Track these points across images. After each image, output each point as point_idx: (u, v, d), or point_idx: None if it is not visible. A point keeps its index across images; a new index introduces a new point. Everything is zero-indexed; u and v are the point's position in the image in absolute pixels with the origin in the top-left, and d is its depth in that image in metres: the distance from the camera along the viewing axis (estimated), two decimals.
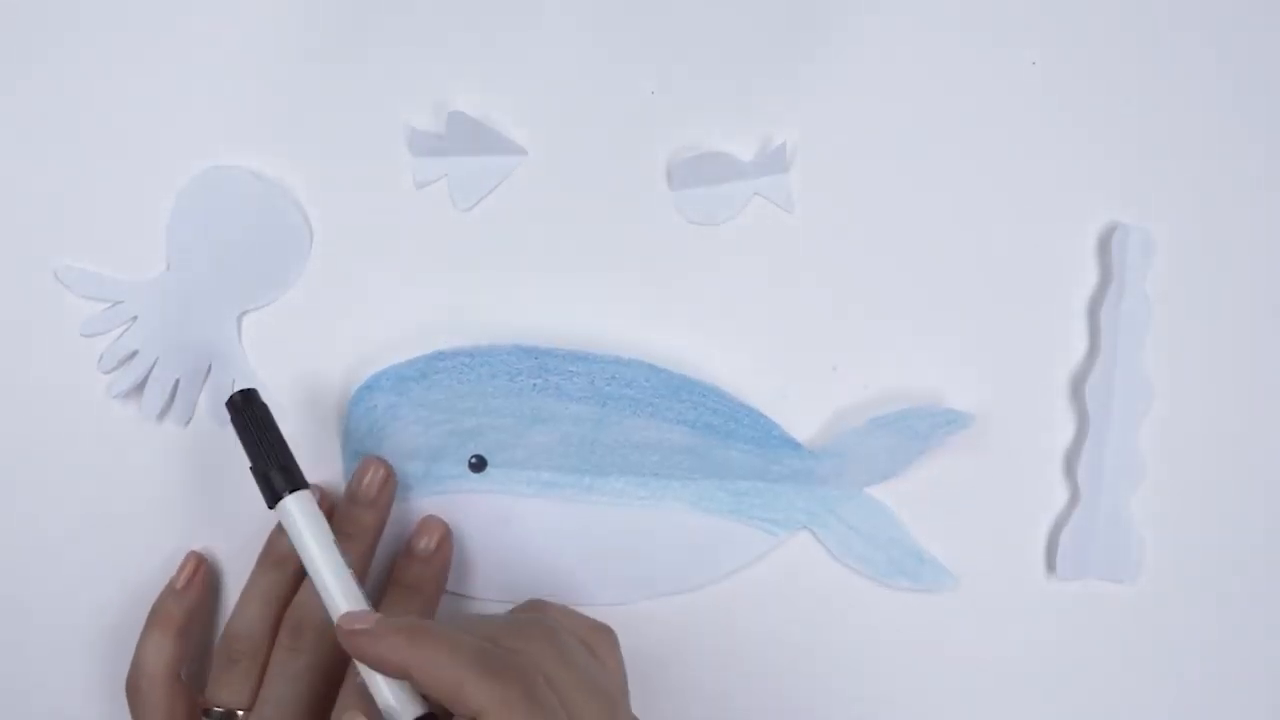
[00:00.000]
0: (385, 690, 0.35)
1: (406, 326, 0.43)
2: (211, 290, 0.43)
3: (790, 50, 0.43)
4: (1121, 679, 0.44)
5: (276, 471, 0.38)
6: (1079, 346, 0.44)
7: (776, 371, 0.43)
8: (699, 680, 0.43)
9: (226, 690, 0.39)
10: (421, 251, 0.43)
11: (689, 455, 0.42)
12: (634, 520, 0.43)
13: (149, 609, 0.41)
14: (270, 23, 0.43)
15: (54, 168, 0.43)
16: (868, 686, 0.44)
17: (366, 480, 0.41)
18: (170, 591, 0.42)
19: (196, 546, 0.43)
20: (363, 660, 0.35)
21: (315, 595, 0.37)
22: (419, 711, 0.35)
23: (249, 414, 0.38)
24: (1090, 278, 0.44)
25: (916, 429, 0.42)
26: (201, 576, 0.42)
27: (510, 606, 0.40)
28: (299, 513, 0.37)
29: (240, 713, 0.39)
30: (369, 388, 0.42)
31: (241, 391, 0.39)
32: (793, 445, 0.43)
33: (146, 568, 0.43)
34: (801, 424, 0.43)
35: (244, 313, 0.43)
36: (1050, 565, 0.44)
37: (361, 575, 0.41)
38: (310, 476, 0.42)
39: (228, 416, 0.39)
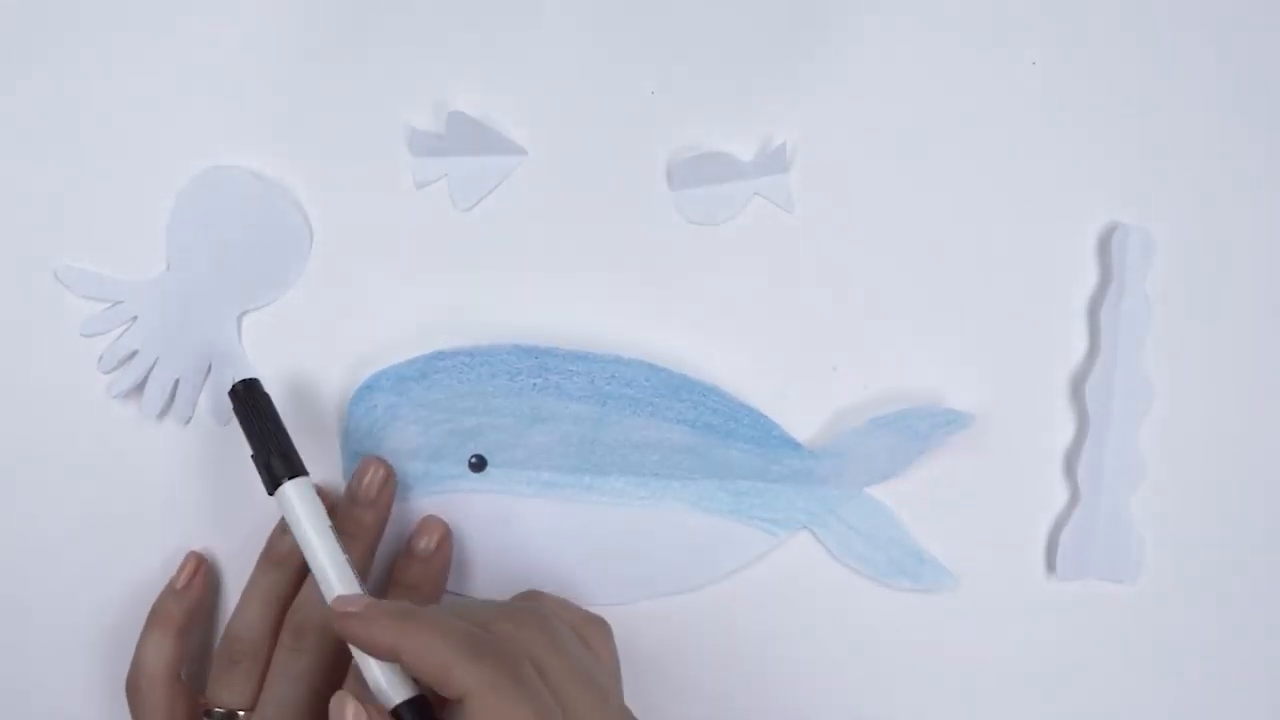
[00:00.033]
0: (376, 672, 0.35)
1: (406, 326, 0.43)
2: (211, 290, 0.43)
3: (790, 50, 0.43)
4: (1121, 679, 0.44)
5: (277, 459, 0.38)
6: (1079, 346, 0.44)
7: (776, 371, 0.43)
8: (699, 680, 0.43)
9: (227, 690, 0.39)
10: (421, 251, 0.43)
11: (689, 455, 0.42)
12: (634, 520, 0.43)
13: (149, 609, 0.41)
14: (270, 23, 0.43)
15: (54, 168, 0.43)
16: (868, 686, 0.44)
17: (366, 480, 0.41)
18: (170, 591, 0.42)
19: (196, 546, 0.43)
20: (353, 642, 0.35)
21: (317, 595, 0.37)
22: (409, 694, 0.35)
23: (251, 403, 0.39)
24: (1090, 278, 0.44)
25: (916, 429, 0.42)
26: (201, 576, 0.42)
27: None
28: (297, 499, 0.38)
29: (241, 713, 0.39)
30: (369, 388, 0.42)
31: (244, 381, 0.39)
32: (793, 445, 0.43)
33: (146, 568, 0.43)
34: (801, 424, 0.43)
35: (244, 313, 0.43)
36: (1050, 565, 0.44)
37: (362, 575, 0.41)
38: (310, 477, 0.42)
39: (228, 416, 0.39)
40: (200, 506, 0.43)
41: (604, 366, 0.42)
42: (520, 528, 0.43)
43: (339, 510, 0.42)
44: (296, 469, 0.38)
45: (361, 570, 0.41)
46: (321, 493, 0.42)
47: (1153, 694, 0.44)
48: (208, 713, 0.39)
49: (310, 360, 0.43)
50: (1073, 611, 0.44)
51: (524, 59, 0.43)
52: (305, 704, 0.38)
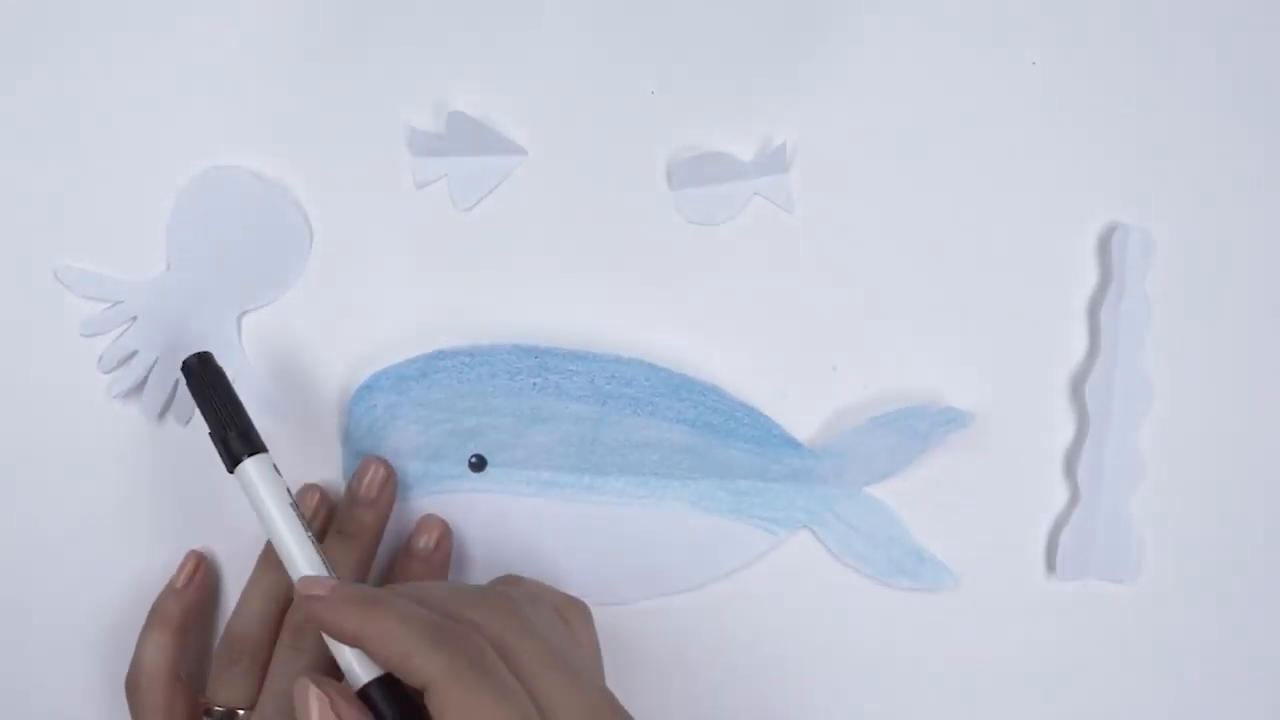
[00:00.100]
0: (345, 652, 0.35)
1: (406, 326, 0.43)
2: (211, 290, 0.43)
3: (790, 50, 0.43)
4: (1121, 679, 0.44)
5: (235, 435, 0.38)
6: (1079, 346, 0.44)
7: (776, 371, 0.43)
8: (699, 679, 0.43)
9: (227, 689, 0.39)
10: (421, 251, 0.43)
11: (689, 454, 0.42)
12: (634, 520, 0.43)
13: (149, 609, 0.41)
14: (270, 23, 0.43)
15: (54, 168, 0.43)
16: (867, 686, 0.44)
17: (367, 480, 0.41)
18: (170, 591, 0.42)
19: (196, 546, 0.43)
20: (318, 626, 0.35)
21: None
22: (378, 673, 0.35)
23: (206, 378, 0.38)
24: (1090, 278, 0.44)
25: (916, 428, 0.42)
26: (201, 576, 0.42)
27: None
28: (258, 476, 0.37)
29: (241, 712, 0.39)
30: (369, 388, 0.42)
31: (197, 355, 0.39)
32: (793, 444, 0.43)
33: (146, 568, 0.43)
34: (801, 423, 0.43)
35: (244, 313, 0.43)
36: (1050, 565, 0.44)
37: (362, 575, 0.41)
38: (310, 476, 0.43)
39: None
40: (200, 506, 0.43)
41: (604, 366, 0.42)
42: (520, 527, 0.43)
43: (339, 510, 0.42)
44: (256, 446, 0.38)
45: (362, 571, 0.41)
46: (321, 493, 0.42)
47: (1153, 694, 0.44)
48: (208, 711, 0.39)
49: (310, 360, 0.43)
50: (1073, 611, 0.44)
51: (524, 59, 0.43)
52: None
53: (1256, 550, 0.44)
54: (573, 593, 0.39)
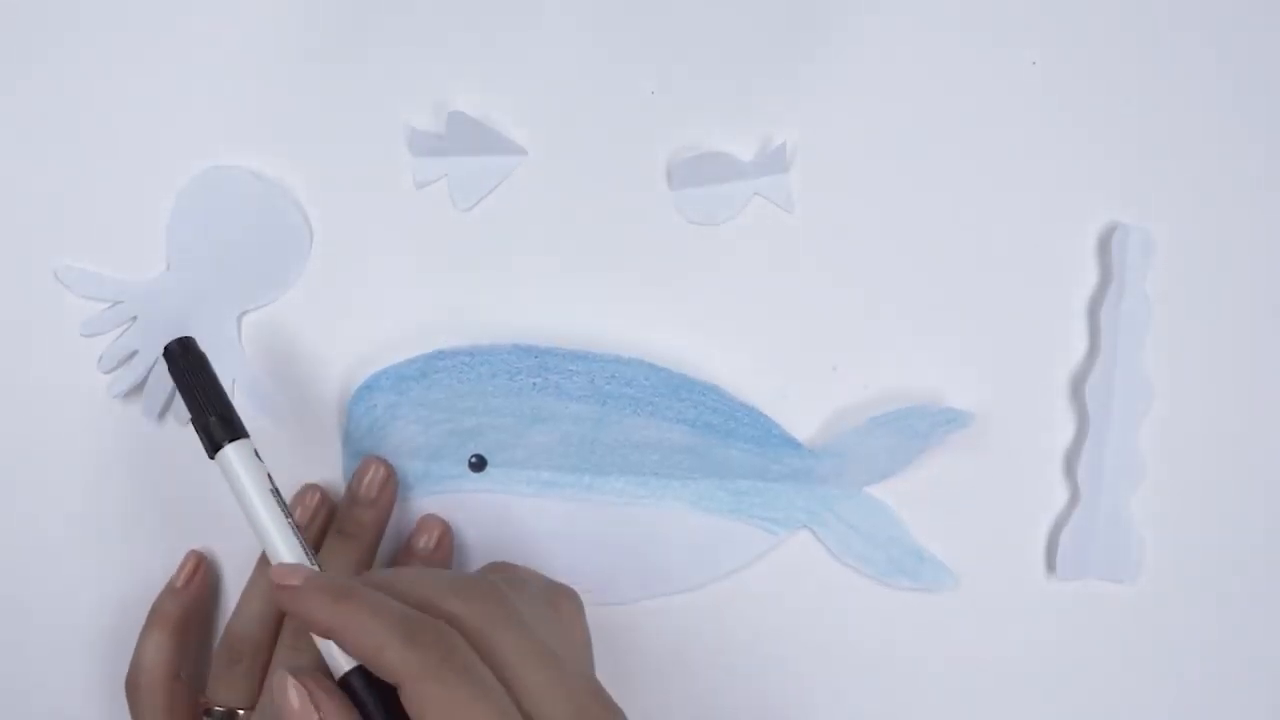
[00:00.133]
0: (325, 641, 0.35)
1: (406, 326, 0.43)
2: (211, 290, 0.43)
3: (790, 50, 0.43)
4: (1121, 679, 0.44)
5: (216, 421, 0.37)
6: (1079, 346, 0.44)
7: (776, 371, 0.43)
8: (699, 679, 0.43)
9: (227, 689, 0.39)
10: (421, 251, 0.43)
11: (689, 454, 0.42)
12: (634, 519, 0.43)
13: (149, 609, 0.41)
14: (270, 23, 0.43)
15: (54, 168, 0.43)
16: (867, 686, 0.44)
17: (367, 480, 0.41)
18: (170, 591, 0.42)
19: (196, 546, 0.43)
20: (292, 615, 0.35)
21: None
22: (356, 662, 0.34)
23: (187, 363, 0.38)
24: (1090, 278, 0.44)
25: (916, 428, 0.42)
26: (201, 576, 0.42)
27: None
28: (238, 461, 0.37)
29: (241, 712, 0.39)
30: (369, 388, 0.42)
31: (179, 340, 0.38)
32: (793, 444, 0.43)
33: (146, 568, 0.43)
34: (801, 424, 0.43)
35: (244, 313, 0.43)
36: (1050, 565, 0.44)
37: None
38: (310, 476, 0.43)
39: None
40: (200, 506, 0.43)
41: (604, 366, 0.42)
42: (520, 527, 0.43)
43: (339, 510, 0.42)
44: (236, 431, 0.37)
45: (361, 570, 0.41)
46: (321, 493, 0.42)
47: (1153, 694, 0.44)
48: (208, 712, 0.39)
49: (310, 360, 0.43)
50: (1073, 611, 0.44)
51: (524, 59, 0.43)
52: None
53: (1256, 550, 0.44)
54: None
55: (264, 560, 0.41)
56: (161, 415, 0.43)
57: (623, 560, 0.43)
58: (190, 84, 0.43)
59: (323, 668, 0.38)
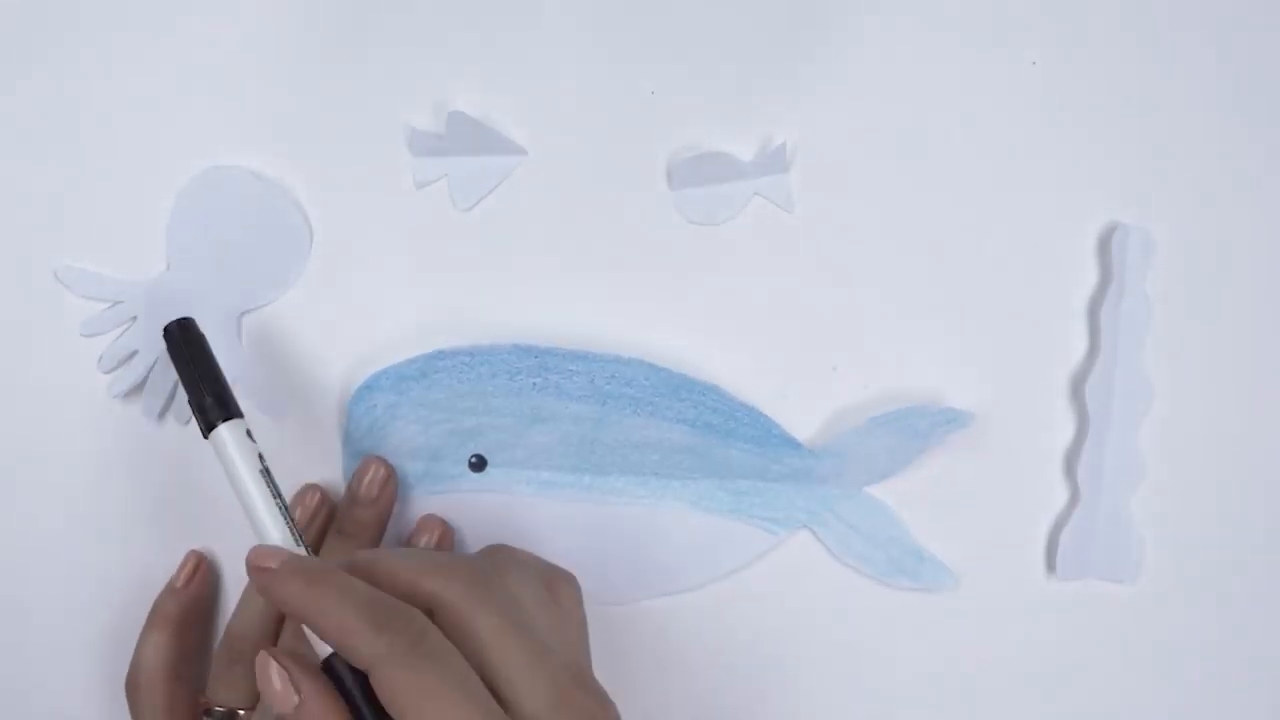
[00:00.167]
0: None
1: (406, 326, 0.43)
2: (211, 290, 0.43)
3: (790, 50, 0.43)
4: (1121, 679, 0.44)
5: (211, 401, 0.37)
6: (1079, 346, 0.44)
7: (776, 371, 0.43)
8: (699, 679, 0.43)
9: (227, 690, 0.39)
10: (421, 251, 0.43)
11: (689, 454, 0.42)
12: (634, 519, 0.43)
13: (149, 609, 0.42)
14: (270, 23, 0.43)
15: (54, 168, 0.43)
16: (867, 686, 0.44)
17: (367, 480, 0.41)
18: (170, 590, 0.42)
19: (196, 546, 0.43)
20: (266, 598, 0.35)
21: None
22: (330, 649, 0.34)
23: (186, 343, 0.38)
24: (1090, 278, 0.44)
25: (916, 428, 0.42)
26: (202, 575, 0.42)
27: None
28: (230, 440, 0.37)
29: (242, 712, 0.39)
30: (369, 388, 0.42)
31: (178, 321, 0.39)
32: (793, 444, 0.43)
33: (146, 568, 0.43)
34: (801, 424, 0.43)
35: (244, 313, 0.43)
36: (1050, 565, 0.44)
37: None
38: (310, 476, 0.43)
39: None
40: (200, 506, 0.43)
41: (604, 366, 0.42)
42: (520, 527, 0.43)
43: (339, 510, 0.42)
44: (231, 411, 0.37)
45: None
46: (322, 493, 0.42)
47: (1153, 694, 0.44)
48: (208, 712, 0.39)
49: (310, 360, 0.43)
50: (1073, 611, 0.44)
51: (524, 59, 0.43)
52: None
53: (1256, 550, 0.44)
54: None
55: None
56: (161, 415, 0.43)
57: (623, 560, 0.43)
58: (190, 84, 0.43)
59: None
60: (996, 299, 0.44)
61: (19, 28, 0.43)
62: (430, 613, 0.33)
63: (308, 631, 0.34)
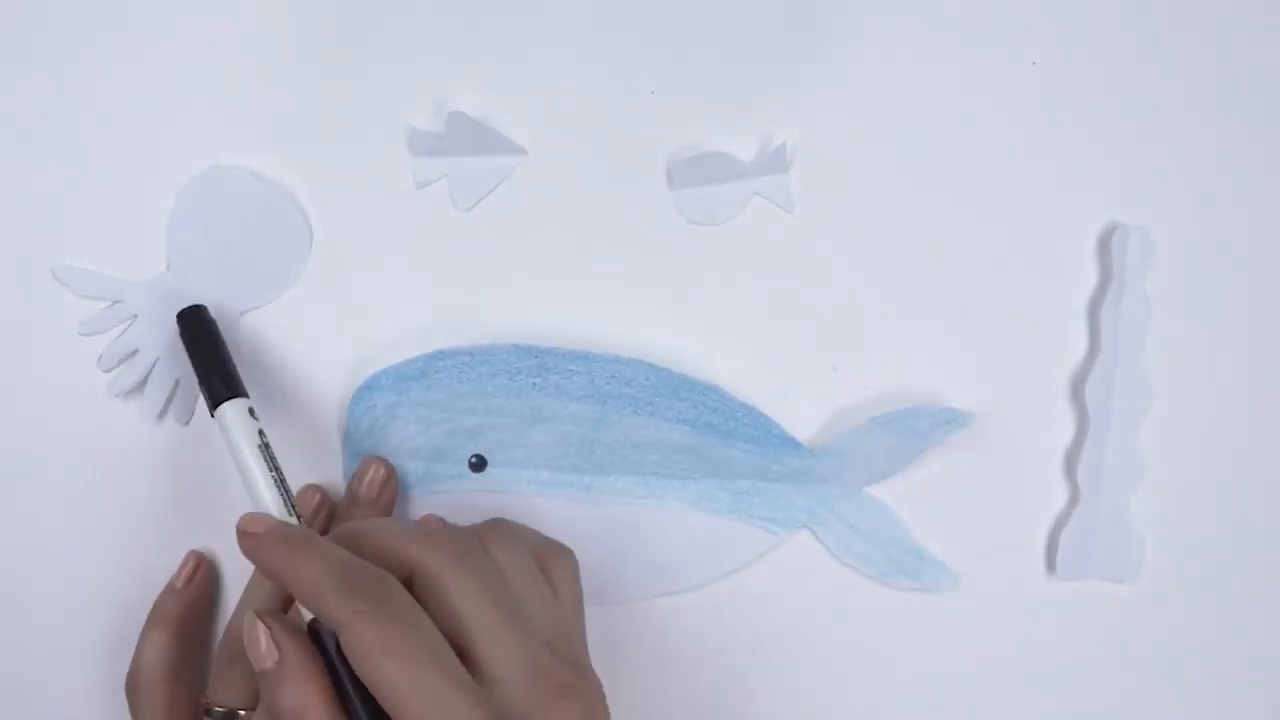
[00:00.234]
0: None
1: (406, 326, 0.43)
2: (211, 290, 0.43)
3: (790, 50, 0.43)
4: (1121, 679, 0.44)
5: (218, 381, 0.39)
6: (1079, 346, 0.44)
7: (776, 371, 0.43)
8: (699, 679, 0.43)
9: (227, 690, 0.39)
10: (421, 251, 0.43)
11: (689, 454, 0.42)
12: (634, 519, 0.43)
13: (149, 609, 0.42)
14: (270, 23, 0.43)
15: (54, 168, 0.43)
16: (867, 686, 0.44)
17: (367, 480, 0.41)
18: (170, 591, 0.42)
19: (196, 546, 0.43)
20: (250, 562, 0.35)
21: None
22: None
23: (197, 327, 0.40)
24: (1090, 278, 0.44)
25: (916, 428, 0.42)
26: (202, 576, 0.42)
27: None
28: (233, 417, 0.38)
29: (242, 712, 0.39)
30: (369, 388, 0.42)
31: (191, 306, 0.41)
32: (793, 444, 0.43)
33: (146, 568, 0.43)
34: (801, 424, 0.43)
35: (244, 313, 0.43)
36: (1050, 565, 0.44)
37: None
38: (310, 476, 0.43)
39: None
40: (200, 506, 0.43)
41: (604, 366, 0.42)
42: None
43: (339, 510, 0.42)
44: (237, 391, 0.39)
45: None
46: (322, 494, 0.42)
47: (1153, 694, 0.44)
48: (208, 712, 0.39)
49: (310, 360, 0.43)
50: (1073, 611, 0.44)
51: (524, 59, 0.43)
52: None
53: (1256, 550, 0.44)
54: None
55: None
56: (161, 415, 0.43)
57: (623, 560, 0.43)
58: (190, 84, 0.43)
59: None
60: (996, 299, 0.44)
61: (19, 28, 0.43)
62: (412, 579, 0.34)
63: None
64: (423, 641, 0.32)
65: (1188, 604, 0.44)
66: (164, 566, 0.42)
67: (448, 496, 0.43)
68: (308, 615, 0.35)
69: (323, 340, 0.43)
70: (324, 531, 0.41)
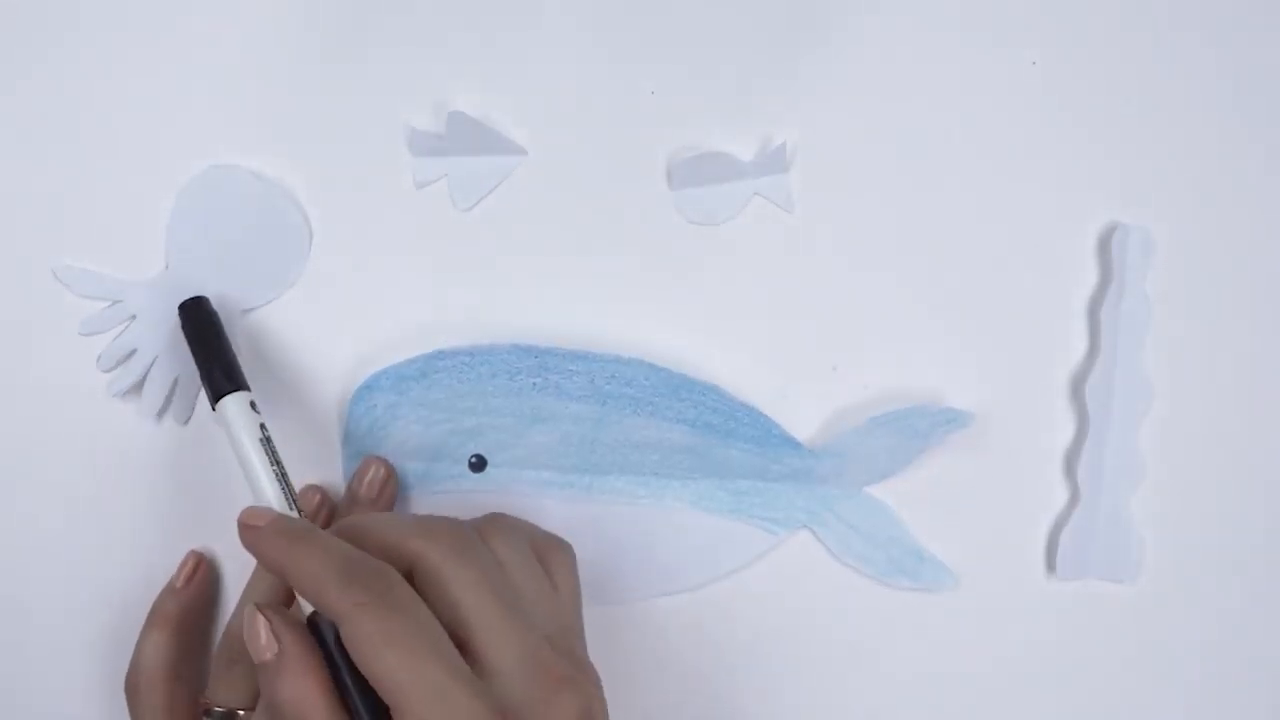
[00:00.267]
0: None
1: (406, 326, 0.43)
2: (211, 290, 0.43)
3: (790, 50, 0.43)
4: (1121, 679, 0.44)
5: (219, 373, 0.39)
6: (1079, 346, 0.44)
7: (776, 371, 0.43)
8: (699, 679, 0.43)
9: (227, 690, 0.39)
10: (421, 251, 0.43)
11: (689, 454, 0.42)
12: (634, 519, 0.43)
13: (149, 609, 0.41)
14: (270, 23, 0.43)
15: (54, 168, 0.43)
16: (867, 686, 0.44)
17: (367, 480, 0.41)
18: (170, 591, 0.42)
19: (196, 546, 0.43)
20: (251, 555, 0.35)
21: None
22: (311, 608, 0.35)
23: (198, 320, 0.40)
24: (1090, 278, 0.44)
25: (916, 428, 0.42)
26: (202, 576, 0.42)
27: None
28: (235, 410, 0.38)
29: (241, 712, 0.39)
30: (369, 388, 0.42)
31: (193, 298, 0.41)
32: (793, 444, 0.43)
33: (146, 568, 0.43)
34: (801, 423, 0.43)
35: (244, 312, 0.43)
36: (1050, 565, 0.44)
37: None
38: (310, 476, 0.43)
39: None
40: (200, 506, 0.43)
41: (604, 366, 0.42)
42: None
43: (339, 510, 0.42)
44: (238, 383, 0.39)
45: None
46: (322, 494, 0.42)
47: (1153, 694, 0.44)
48: (208, 712, 0.39)
49: (310, 360, 0.43)
50: (1073, 611, 0.44)
51: (524, 59, 0.43)
52: None
53: (1256, 550, 0.44)
54: None
55: None
56: (161, 414, 0.43)
57: (623, 560, 0.43)
58: (190, 84, 0.43)
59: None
60: (996, 299, 0.44)
61: (19, 28, 0.43)
62: (412, 572, 0.34)
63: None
64: (423, 633, 0.32)
65: (1188, 604, 0.44)
66: (164, 566, 0.42)
67: (448, 496, 0.43)
68: (307, 610, 0.35)
69: (323, 340, 0.43)
70: None
